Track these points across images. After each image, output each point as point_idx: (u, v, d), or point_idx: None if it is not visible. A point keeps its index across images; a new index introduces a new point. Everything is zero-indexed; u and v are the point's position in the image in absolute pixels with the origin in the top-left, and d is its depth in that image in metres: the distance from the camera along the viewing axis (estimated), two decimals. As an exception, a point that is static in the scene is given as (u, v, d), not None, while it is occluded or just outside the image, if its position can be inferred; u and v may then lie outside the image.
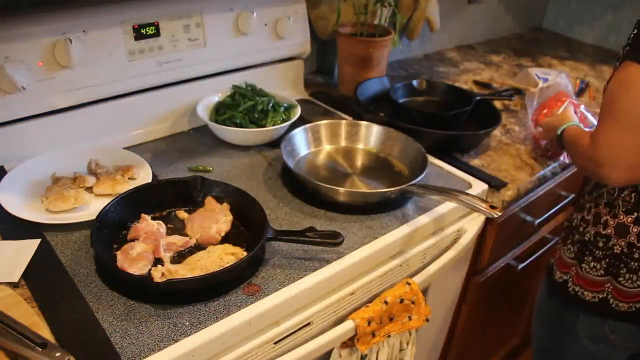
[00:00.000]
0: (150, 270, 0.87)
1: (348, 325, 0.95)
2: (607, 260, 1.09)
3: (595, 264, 1.11)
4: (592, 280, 1.12)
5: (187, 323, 0.81)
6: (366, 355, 1.03)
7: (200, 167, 1.20)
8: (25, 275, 0.86)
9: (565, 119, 1.23)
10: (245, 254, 0.92)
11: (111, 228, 0.95)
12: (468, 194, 1.06)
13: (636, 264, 1.06)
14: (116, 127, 1.24)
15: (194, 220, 1.00)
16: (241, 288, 0.88)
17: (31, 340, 0.72)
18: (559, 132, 1.18)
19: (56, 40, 1.08)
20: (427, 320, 1.06)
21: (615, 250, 1.08)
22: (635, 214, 1.05)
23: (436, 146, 1.30)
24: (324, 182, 1.08)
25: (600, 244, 1.10)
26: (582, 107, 1.43)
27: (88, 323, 0.79)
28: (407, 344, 1.10)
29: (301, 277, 0.92)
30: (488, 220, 1.26)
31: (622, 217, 1.07)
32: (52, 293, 0.84)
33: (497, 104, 1.58)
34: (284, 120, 1.31)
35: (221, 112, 1.31)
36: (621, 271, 1.08)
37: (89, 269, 0.89)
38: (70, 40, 1.08)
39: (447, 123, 1.38)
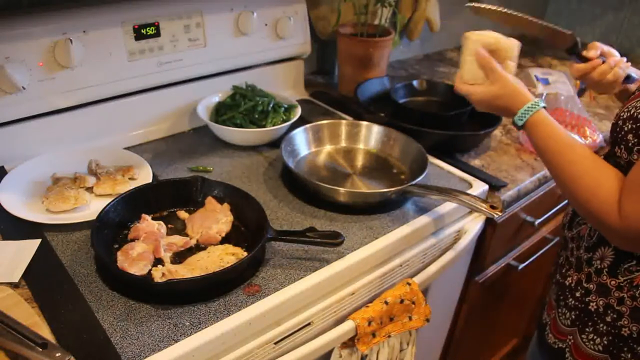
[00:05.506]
0: (150, 270, 0.87)
1: (348, 325, 0.95)
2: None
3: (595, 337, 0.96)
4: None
5: (188, 323, 0.81)
6: (366, 356, 1.02)
7: (201, 167, 1.20)
8: (26, 275, 0.86)
9: (518, 97, 0.96)
10: (245, 254, 0.92)
11: (111, 228, 0.95)
12: (468, 194, 1.06)
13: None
14: (116, 127, 1.25)
15: (194, 220, 1.00)
16: (241, 288, 0.88)
17: (31, 341, 0.72)
18: (518, 123, 0.96)
19: (56, 40, 1.08)
20: (428, 320, 1.06)
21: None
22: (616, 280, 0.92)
23: (436, 146, 1.31)
24: (325, 182, 1.08)
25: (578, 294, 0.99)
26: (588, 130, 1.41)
27: (88, 323, 0.79)
28: (408, 344, 1.10)
29: (301, 277, 0.92)
30: (488, 221, 1.26)
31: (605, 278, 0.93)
32: (52, 293, 0.84)
33: (498, 104, 1.58)
34: (284, 121, 1.31)
35: (221, 112, 1.31)
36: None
37: (89, 269, 0.89)
38: (71, 41, 1.08)
39: (448, 123, 1.38)
